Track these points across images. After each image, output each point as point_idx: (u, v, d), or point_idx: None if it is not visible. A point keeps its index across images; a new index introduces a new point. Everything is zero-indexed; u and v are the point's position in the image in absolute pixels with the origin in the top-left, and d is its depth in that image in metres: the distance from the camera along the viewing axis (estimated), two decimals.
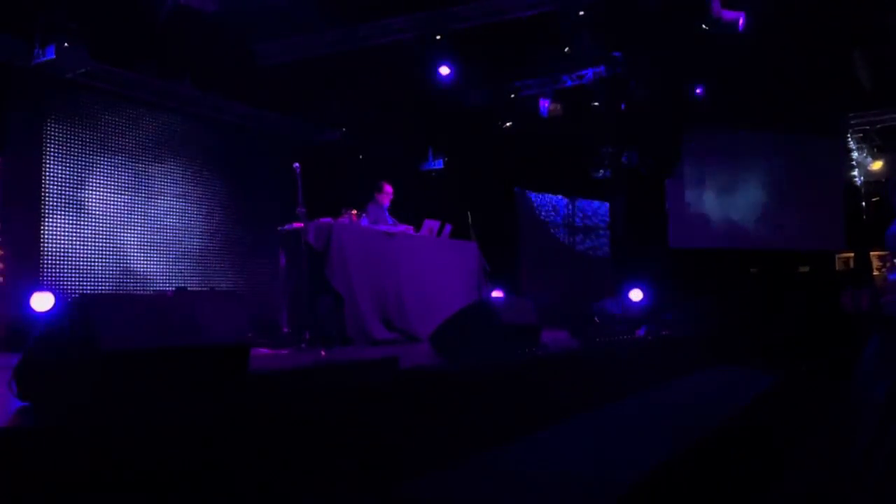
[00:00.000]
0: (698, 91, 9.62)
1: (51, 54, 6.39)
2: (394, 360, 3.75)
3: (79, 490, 2.09)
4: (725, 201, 11.39)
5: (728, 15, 7.14)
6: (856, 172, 11.26)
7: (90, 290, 6.77)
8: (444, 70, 8.55)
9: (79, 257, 6.82)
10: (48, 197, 6.65)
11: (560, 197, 11.77)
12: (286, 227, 6.36)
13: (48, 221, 6.63)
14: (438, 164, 10.61)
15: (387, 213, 7.32)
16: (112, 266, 7.09)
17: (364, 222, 6.90)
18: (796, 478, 3.49)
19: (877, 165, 11.11)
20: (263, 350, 5.32)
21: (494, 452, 3.71)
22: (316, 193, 6.66)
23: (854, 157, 11.23)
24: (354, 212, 6.81)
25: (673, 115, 10.57)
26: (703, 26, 7.10)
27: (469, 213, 8.16)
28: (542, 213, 11.59)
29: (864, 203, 11.24)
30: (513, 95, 9.96)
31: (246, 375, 2.98)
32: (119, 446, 2.22)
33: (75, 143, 6.88)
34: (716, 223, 11.32)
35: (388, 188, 7.34)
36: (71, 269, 6.73)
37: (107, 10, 6.64)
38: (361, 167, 9.34)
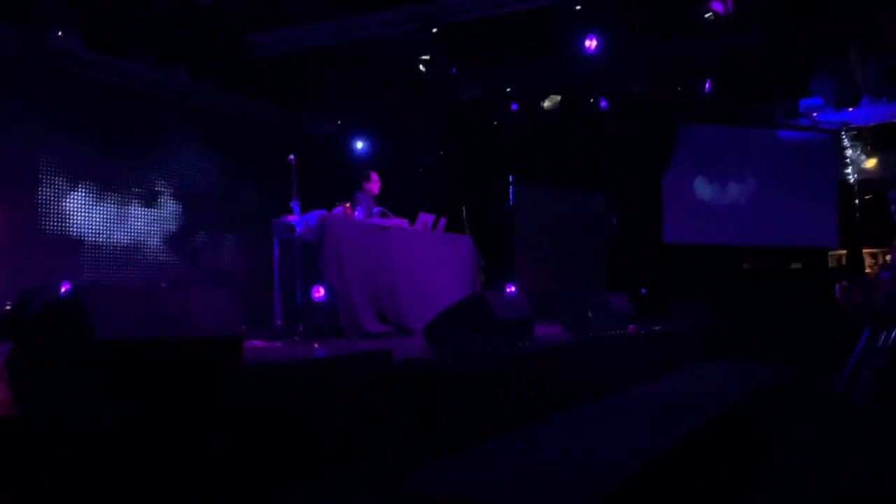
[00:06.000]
0: (700, 86, 9.60)
1: (46, 43, 6.36)
2: (387, 352, 3.76)
3: (71, 480, 2.10)
4: (719, 197, 11.42)
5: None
6: (849, 170, 11.29)
7: (83, 280, 6.75)
8: (452, 70, 8.56)
9: (73, 248, 6.80)
10: (43, 187, 6.63)
11: (555, 190, 11.77)
12: (280, 219, 6.36)
13: (43, 211, 6.61)
14: (433, 158, 10.61)
15: (375, 203, 7.34)
16: (105, 257, 7.07)
17: (359, 215, 6.91)
18: (789, 470, 3.51)
19: (870, 163, 11.14)
20: (257, 342, 5.32)
21: (488, 445, 3.72)
22: (310, 185, 6.67)
23: (847, 154, 11.26)
24: (348, 204, 6.82)
25: (668, 109, 10.57)
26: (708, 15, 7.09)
27: (463, 206, 8.18)
28: (537, 207, 11.59)
29: (857, 201, 11.27)
30: (508, 89, 9.95)
31: (239, 367, 2.98)
32: (112, 437, 2.22)
33: (70, 133, 6.85)
34: (710, 219, 11.34)
35: (375, 176, 7.38)
36: (65, 259, 6.71)
37: None
38: (356, 160, 9.33)
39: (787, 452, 3.96)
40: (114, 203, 7.18)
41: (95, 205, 7.02)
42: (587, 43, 8.14)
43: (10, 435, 2.07)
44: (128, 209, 7.31)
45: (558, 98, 9.92)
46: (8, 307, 6.00)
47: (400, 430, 3.33)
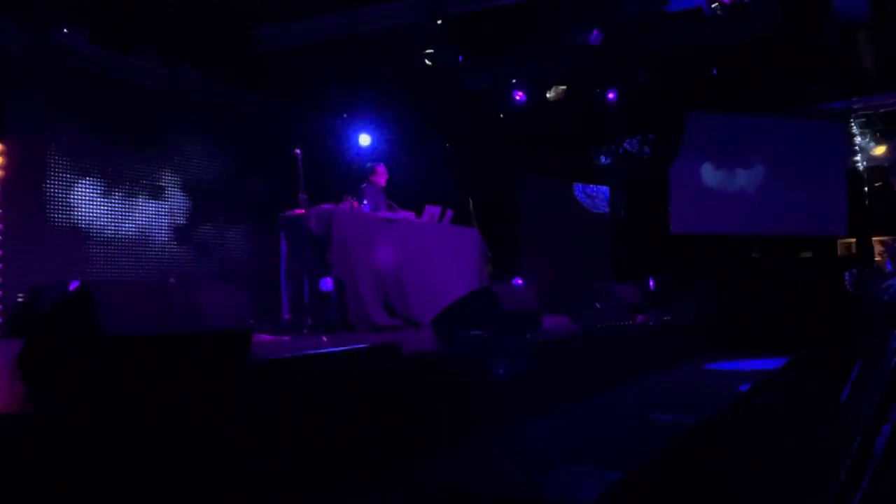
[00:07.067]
0: (707, 74, 9.52)
1: (51, 40, 6.37)
2: (396, 345, 3.76)
3: (81, 475, 2.11)
4: (727, 186, 11.36)
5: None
6: (858, 157, 11.22)
7: (93, 276, 6.78)
8: (456, 59, 8.53)
9: (81, 241, 6.82)
10: (51, 182, 6.65)
11: (561, 182, 11.75)
12: (287, 213, 6.36)
13: (51, 207, 6.63)
14: (440, 150, 10.58)
15: (383, 195, 7.32)
16: (113, 251, 7.10)
17: (366, 208, 6.90)
18: (797, 462, 3.50)
19: (879, 150, 11.06)
20: (265, 336, 5.34)
21: (497, 436, 3.73)
22: (317, 179, 6.67)
23: (857, 141, 11.18)
24: (355, 197, 6.82)
25: (675, 99, 10.51)
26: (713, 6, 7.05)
27: (470, 199, 8.16)
28: (544, 199, 11.57)
29: (866, 188, 11.20)
30: (514, 80, 9.91)
31: (248, 362, 2.99)
32: (122, 432, 2.23)
33: (77, 129, 6.86)
34: (718, 208, 11.29)
35: (381, 169, 7.36)
36: (73, 252, 6.74)
37: None
38: (362, 152, 9.32)
39: (796, 443, 3.94)
40: (121, 197, 7.20)
41: (103, 199, 7.04)
42: (593, 34, 8.10)
43: (22, 430, 2.08)
44: (135, 203, 7.33)
45: (563, 88, 9.87)
46: (20, 298, 6.04)
47: (409, 423, 3.34)
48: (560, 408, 4.49)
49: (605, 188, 12.02)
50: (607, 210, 12.03)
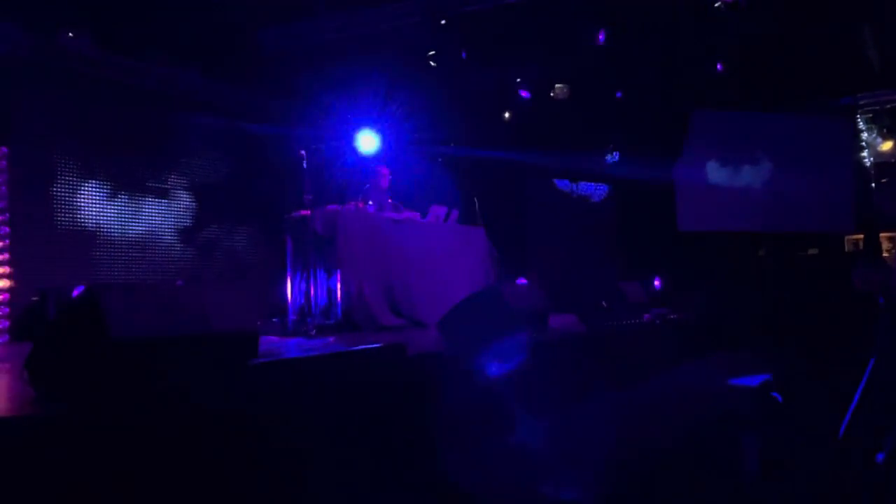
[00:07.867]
0: (711, 69, 9.49)
1: (55, 44, 6.39)
2: (402, 346, 3.76)
3: (88, 478, 2.12)
4: (733, 183, 11.32)
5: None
6: (865, 153, 11.16)
7: (100, 279, 6.81)
8: (460, 56, 8.54)
9: (88, 244, 6.85)
10: (57, 186, 6.68)
11: (567, 181, 11.74)
12: (293, 214, 6.37)
13: (57, 211, 6.66)
14: (445, 150, 10.58)
15: (387, 195, 7.33)
16: (119, 253, 7.12)
17: (371, 209, 6.91)
18: (805, 462, 3.49)
19: (886, 146, 11.00)
20: (271, 337, 5.35)
21: (504, 437, 3.73)
22: (322, 180, 6.68)
23: (864, 137, 11.12)
24: (360, 198, 6.84)
25: (680, 95, 10.48)
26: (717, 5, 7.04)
27: (476, 198, 8.15)
28: (549, 198, 11.56)
29: (873, 184, 11.14)
30: (518, 79, 9.90)
31: (255, 363, 3.00)
32: (129, 434, 2.24)
33: (83, 132, 6.89)
34: (724, 206, 11.25)
35: (384, 170, 7.38)
36: (80, 258, 6.76)
37: None
38: (367, 153, 9.32)
39: (804, 442, 3.93)
40: (127, 199, 7.23)
41: (109, 201, 7.07)
42: (598, 36, 8.10)
43: (31, 434, 2.09)
44: (141, 205, 7.36)
45: (566, 86, 9.85)
46: (35, 299, 6.08)
47: (414, 423, 3.34)
48: (567, 408, 4.48)
49: (610, 186, 12.00)
50: (613, 208, 12.01)
